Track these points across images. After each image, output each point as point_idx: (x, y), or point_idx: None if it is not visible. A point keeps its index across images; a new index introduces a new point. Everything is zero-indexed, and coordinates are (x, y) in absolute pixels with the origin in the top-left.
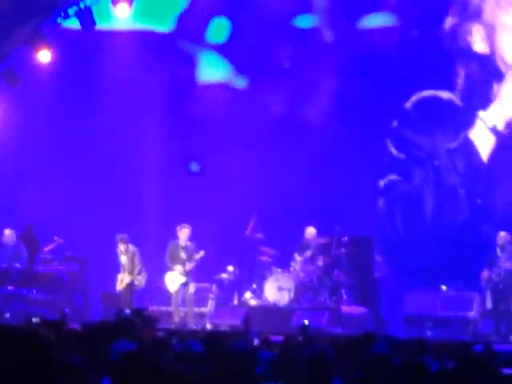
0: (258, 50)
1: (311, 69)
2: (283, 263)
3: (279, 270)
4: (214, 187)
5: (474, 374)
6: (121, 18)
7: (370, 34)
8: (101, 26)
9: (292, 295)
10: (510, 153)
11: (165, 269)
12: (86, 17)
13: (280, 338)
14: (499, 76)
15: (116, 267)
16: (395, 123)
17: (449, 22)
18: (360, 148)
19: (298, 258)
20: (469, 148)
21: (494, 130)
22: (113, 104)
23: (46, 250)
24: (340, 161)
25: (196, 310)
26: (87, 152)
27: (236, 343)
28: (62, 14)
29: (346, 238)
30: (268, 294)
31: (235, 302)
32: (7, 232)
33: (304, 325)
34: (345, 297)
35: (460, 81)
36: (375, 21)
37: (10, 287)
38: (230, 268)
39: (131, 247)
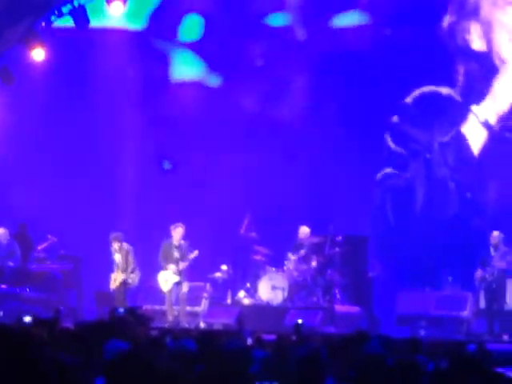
0: (231, 48)
1: (284, 67)
2: (277, 262)
3: (273, 269)
4: (189, 185)
5: (468, 374)
6: (114, 16)
7: (342, 32)
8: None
9: (286, 294)
10: (501, 147)
11: (158, 268)
12: (80, 15)
13: (273, 337)
14: (496, 73)
15: (109, 266)
16: (396, 118)
17: (447, 20)
18: (353, 146)
19: (291, 257)
20: (460, 142)
21: (486, 124)
22: (99, 102)
23: (39, 248)
24: (334, 160)
25: (190, 308)
26: (80, 150)
27: (229, 342)
28: (56, 12)
29: (340, 238)
30: (262, 293)
31: (229, 301)
32: (0, 231)
33: (297, 324)
34: (338, 296)
35: (460, 78)
36: (347, 19)
37: (3, 286)
38: (224, 267)
39: (125, 245)
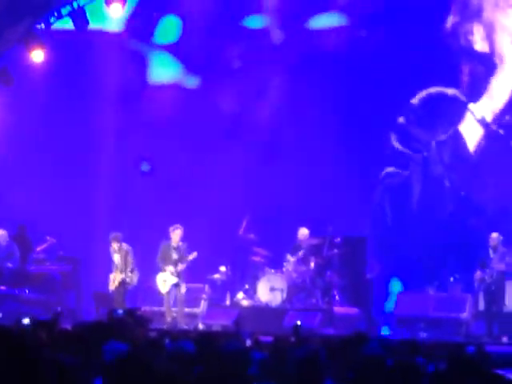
0: (209, 50)
1: (261, 69)
2: (276, 264)
3: (272, 270)
4: (168, 186)
5: (467, 376)
6: (114, 18)
7: (319, 34)
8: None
9: (284, 296)
10: (497, 145)
11: (157, 269)
12: (80, 16)
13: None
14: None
15: (108, 267)
16: (402, 119)
17: (450, 20)
18: (352, 146)
19: (290, 258)
20: (457, 140)
21: (483, 122)
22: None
23: (38, 249)
24: (334, 160)
25: (188, 310)
26: (79, 151)
27: (228, 344)
28: (56, 13)
29: (339, 239)
30: (260, 294)
31: (228, 302)
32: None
33: (296, 325)
34: (337, 297)
35: (465, 78)
36: (324, 21)
37: (2, 287)
38: (223, 268)
39: (125, 245)
